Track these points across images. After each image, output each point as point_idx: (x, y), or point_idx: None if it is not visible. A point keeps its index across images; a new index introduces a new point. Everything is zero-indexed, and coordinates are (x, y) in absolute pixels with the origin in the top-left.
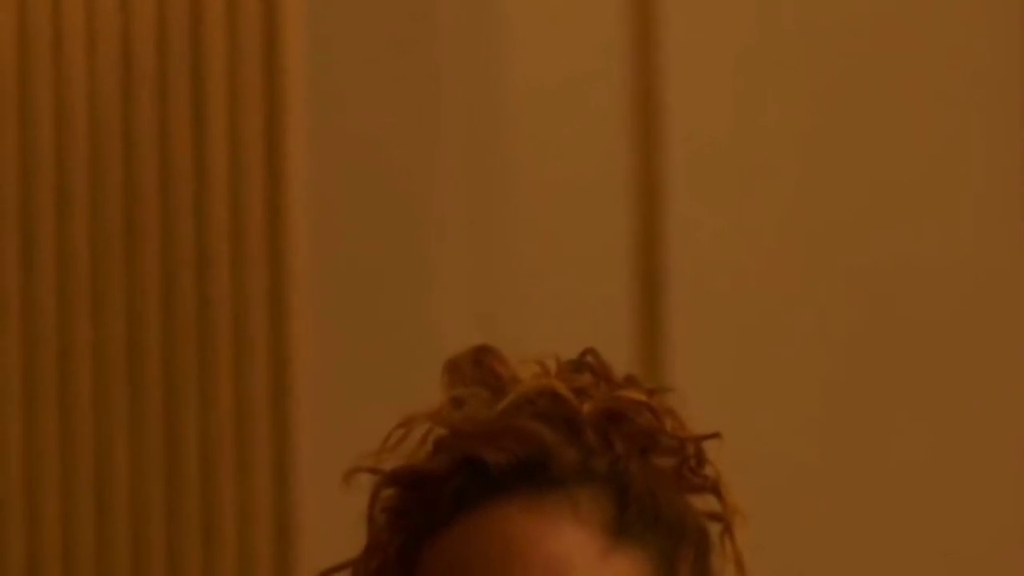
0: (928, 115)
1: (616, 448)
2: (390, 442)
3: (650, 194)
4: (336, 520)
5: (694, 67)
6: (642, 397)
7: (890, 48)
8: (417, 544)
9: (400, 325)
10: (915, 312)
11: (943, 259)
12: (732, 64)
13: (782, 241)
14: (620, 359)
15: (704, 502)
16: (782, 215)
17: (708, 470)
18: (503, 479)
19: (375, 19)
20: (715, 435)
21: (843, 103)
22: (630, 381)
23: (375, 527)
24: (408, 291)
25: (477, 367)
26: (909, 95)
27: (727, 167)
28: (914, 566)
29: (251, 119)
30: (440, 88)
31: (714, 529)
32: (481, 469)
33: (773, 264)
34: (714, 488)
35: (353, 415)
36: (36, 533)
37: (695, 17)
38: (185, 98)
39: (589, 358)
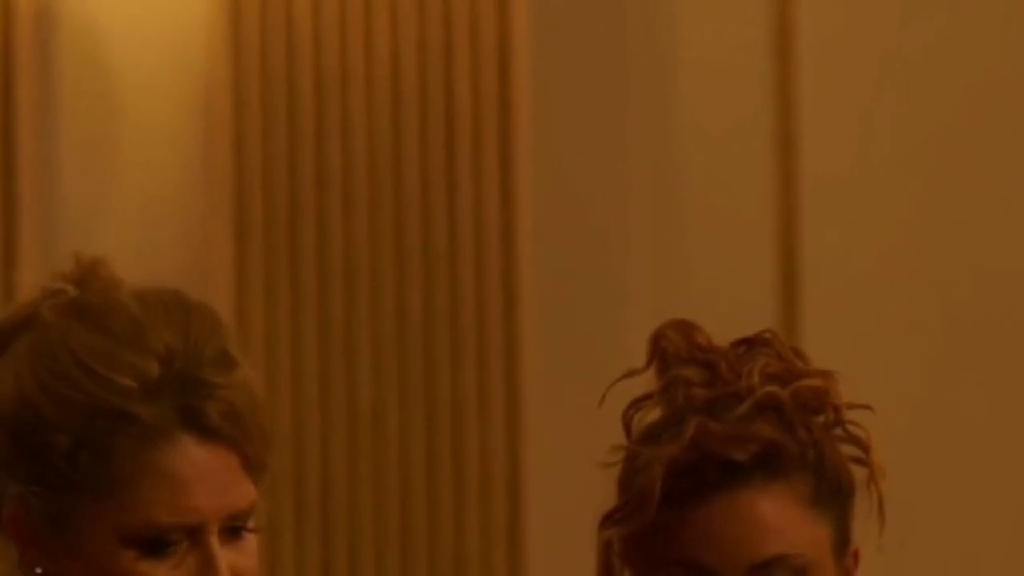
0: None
1: (815, 435)
2: (628, 418)
3: (789, 215)
4: (554, 451)
5: (824, 113)
6: (820, 383)
7: (989, 96)
8: (680, 512)
9: (600, 318)
10: (1002, 308)
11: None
12: (856, 112)
13: (896, 250)
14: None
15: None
16: (895, 231)
17: (860, 432)
18: (744, 469)
19: (582, 79)
20: (867, 407)
21: (947, 139)
22: (798, 354)
23: (639, 491)
24: (605, 290)
25: (684, 339)
26: (1001, 137)
27: (851, 195)
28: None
29: (489, 154)
30: (628, 137)
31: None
32: (730, 462)
33: (889, 270)
34: (865, 449)
35: (566, 375)
36: (327, 461)
37: (827, 74)
38: (440, 142)
39: (768, 335)
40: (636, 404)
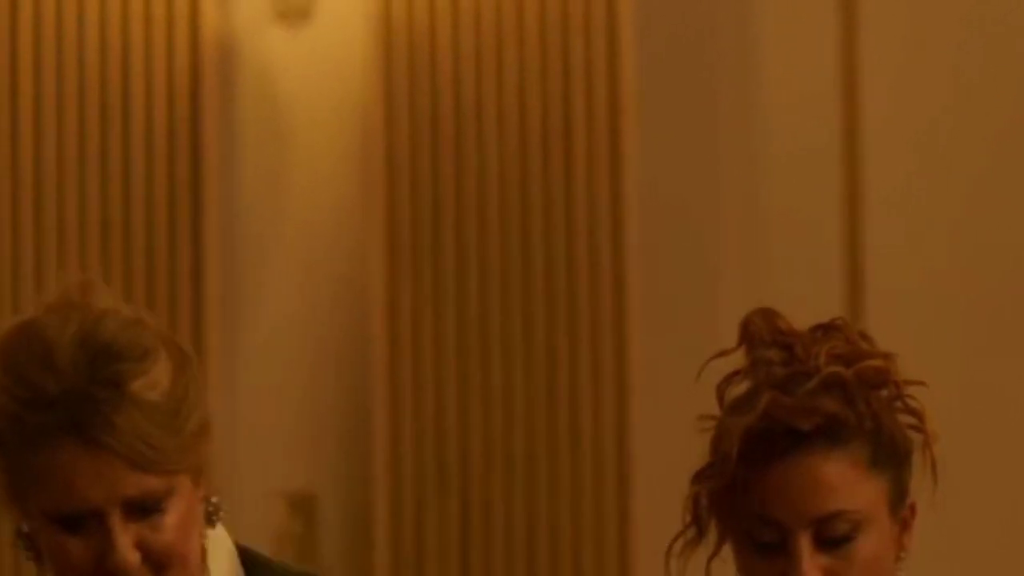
0: None
1: (874, 407)
2: (720, 391)
3: (854, 222)
4: (657, 419)
5: (885, 135)
6: (881, 363)
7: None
8: (755, 473)
9: (696, 306)
10: None
11: None
12: (913, 134)
13: (948, 250)
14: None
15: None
16: (947, 234)
17: (916, 404)
18: (809, 437)
19: (681, 111)
20: (922, 383)
21: (993, 158)
22: (865, 338)
23: (721, 453)
24: (700, 284)
25: (768, 324)
26: None
27: (908, 205)
28: None
29: (600, 173)
30: (720, 157)
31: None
32: (797, 431)
33: (941, 268)
34: (921, 419)
35: (667, 356)
36: (464, 437)
37: (887, 102)
38: (559, 164)
39: (840, 322)
40: (728, 379)
